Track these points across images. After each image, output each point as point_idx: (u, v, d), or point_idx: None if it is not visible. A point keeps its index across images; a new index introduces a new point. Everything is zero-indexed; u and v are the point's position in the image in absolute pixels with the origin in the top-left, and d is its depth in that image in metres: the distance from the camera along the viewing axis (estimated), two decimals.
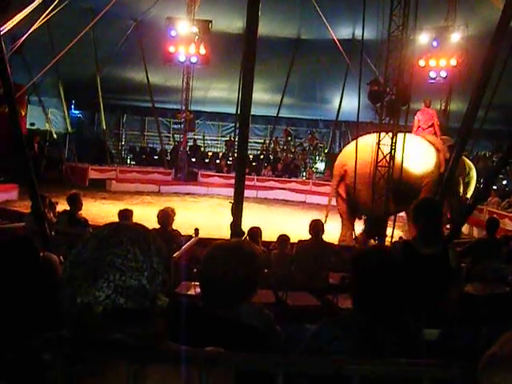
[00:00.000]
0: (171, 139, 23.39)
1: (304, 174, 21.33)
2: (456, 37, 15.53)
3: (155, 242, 1.18)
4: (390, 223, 9.82)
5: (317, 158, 22.77)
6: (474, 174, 11.92)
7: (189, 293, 4.73)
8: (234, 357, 1.25)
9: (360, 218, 10.74)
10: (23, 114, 15.93)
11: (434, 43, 15.69)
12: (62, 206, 7.45)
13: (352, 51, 16.19)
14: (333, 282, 5.81)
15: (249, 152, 17.65)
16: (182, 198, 16.75)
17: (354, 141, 10.59)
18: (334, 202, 11.13)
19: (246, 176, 9.13)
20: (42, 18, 12.45)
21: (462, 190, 11.43)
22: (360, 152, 9.77)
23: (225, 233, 7.67)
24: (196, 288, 4.49)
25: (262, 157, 21.84)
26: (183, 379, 1.11)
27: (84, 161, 18.82)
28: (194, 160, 20.89)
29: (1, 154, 13.14)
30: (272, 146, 22.68)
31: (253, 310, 2.01)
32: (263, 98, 19.54)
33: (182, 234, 6.87)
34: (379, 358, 1.59)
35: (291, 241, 6.57)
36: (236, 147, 13.94)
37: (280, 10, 16.72)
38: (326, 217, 10.23)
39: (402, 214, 11.08)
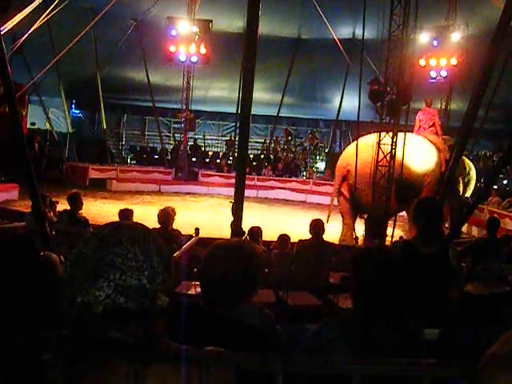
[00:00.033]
0: (172, 139, 23.41)
1: (304, 173, 21.35)
2: (456, 36, 15.52)
3: (155, 242, 1.18)
4: (390, 223, 9.83)
5: (317, 157, 22.77)
6: (473, 173, 11.96)
7: (189, 292, 4.73)
8: (234, 356, 1.25)
9: (362, 217, 10.75)
10: (24, 113, 15.91)
11: (435, 42, 15.68)
12: (63, 205, 7.46)
13: (352, 51, 16.20)
14: (333, 282, 5.80)
15: (249, 151, 17.63)
16: (182, 198, 16.77)
17: (359, 140, 10.60)
18: (335, 202, 11.14)
19: (247, 175, 9.14)
20: (42, 18, 12.44)
21: (461, 190, 11.47)
22: (362, 152, 9.77)
23: (225, 232, 7.68)
24: (196, 287, 4.49)
25: (262, 156, 21.85)
26: (183, 379, 1.10)
27: (84, 160, 18.83)
28: (194, 159, 20.92)
29: (1, 154, 13.15)
30: (272, 145, 22.71)
31: (253, 309, 2.01)
32: (264, 97, 19.55)
33: (183, 233, 6.87)
34: (379, 358, 1.59)
35: (291, 240, 6.57)
36: (236, 147, 13.93)
37: (280, 10, 16.72)
38: (329, 216, 10.25)
39: (403, 213, 11.10)
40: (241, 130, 7.79)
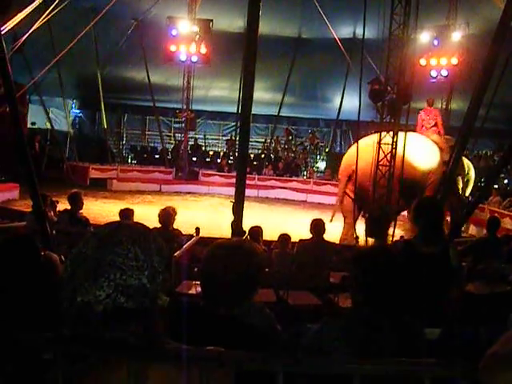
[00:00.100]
0: (172, 138, 23.38)
1: (305, 173, 21.34)
2: (457, 35, 15.50)
3: (156, 242, 1.18)
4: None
5: (318, 157, 22.77)
6: (472, 173, 12.01)
7: (190, 292, 4.73)
8: (234, 356, 1.25)
9: (364, 217, 10.75)
10: (24, 113, 15.92)
11: (435, 42, 15.67)
12: (63, 205, 7.46)
13: (353, 50, 16.18)
14: (334, 282, 5.79)
15: (250, 151, 17.67)
16: (182, 197, 16.77)
17: (359, 142, 10.62)
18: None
19: (247, 175, 9.13)
20: (42, 18, 12.43)
21: (461, 189, 11.50)
22: (365, 152, 9.77)
23: (226, 232, 7.68)
24: (197, 287, 4.49)
25: (263, 156, 21.84)
26: (184, 378, 1.10)
27: (85, 160, 18.83)
28: (194, 159, 20.92)
29: (1, 154, 13.15)
30: (273, 145, 22.71)
31: (254, 309, 2.01)
32: (264, 97, 19.54)
33: (183, 233, 6.87)
34: (379, 358, 1.59)
35: (292, 240, 6.56)
36: (237, 146, 13.93)
37: (281, 9, 16.70)
38: (333, 216, 10.28)
39: (404, 213, 11.09)
40: (241, 130, 7.79)
